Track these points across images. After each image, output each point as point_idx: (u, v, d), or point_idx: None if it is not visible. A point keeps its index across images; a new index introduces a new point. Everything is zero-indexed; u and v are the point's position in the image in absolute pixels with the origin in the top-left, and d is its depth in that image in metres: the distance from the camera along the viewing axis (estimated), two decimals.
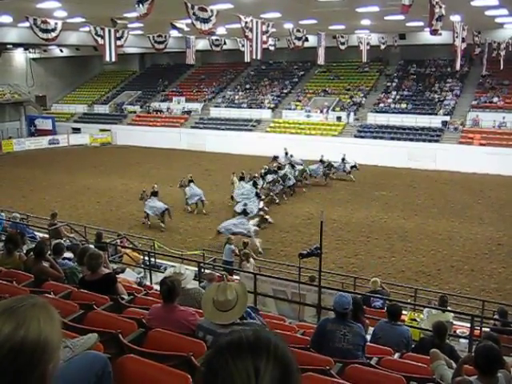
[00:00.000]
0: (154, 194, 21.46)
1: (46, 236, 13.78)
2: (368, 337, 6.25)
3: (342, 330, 5.35)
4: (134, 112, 46.91)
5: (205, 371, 1.14)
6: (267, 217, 20.04)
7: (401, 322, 7.73)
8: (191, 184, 23.02)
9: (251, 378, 1.08)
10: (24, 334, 1.29)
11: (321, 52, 27.55)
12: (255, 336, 1.16)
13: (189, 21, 17.88)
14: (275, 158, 29.70)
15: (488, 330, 9.57)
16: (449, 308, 10.21)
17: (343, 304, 5.45)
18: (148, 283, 11.05)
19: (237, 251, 15.13)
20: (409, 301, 12.15)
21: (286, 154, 30.53)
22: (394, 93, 39.94)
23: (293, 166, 27.10)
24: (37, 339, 1.31)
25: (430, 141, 34.32)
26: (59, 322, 1.41)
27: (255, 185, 22.98)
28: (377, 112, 38.42)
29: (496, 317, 10.19)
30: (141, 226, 20.87)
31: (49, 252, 7.63)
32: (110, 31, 21.09)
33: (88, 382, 2.44)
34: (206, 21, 17.35)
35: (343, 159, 28.93)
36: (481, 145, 32.49)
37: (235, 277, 11.35)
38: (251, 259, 13.78)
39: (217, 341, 4.03)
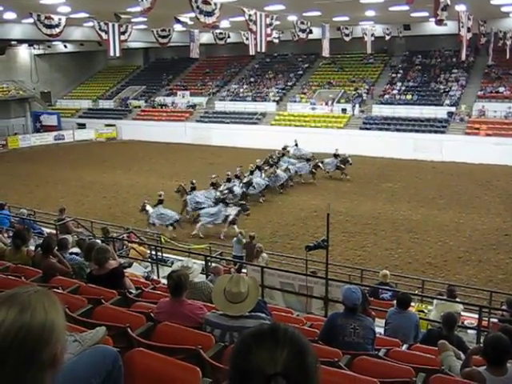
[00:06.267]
0: (193, 188, 20.75)
1: (54, 232, 13.81)
2: (377, 329, 6.23)
3: (352, 324, 5.28)
4: (139, 107, 46.93)
5: (232, 357, 1.33)
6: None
7: None
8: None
9: (271, 358, 1.27)
10: (31, 316, 1.33)
11: (325, 44, 27.46)
12: (273, 325, 1.38)
13: (192, 14, 17.85)
14: (285, 148, 29.15)
15: (496, 320, 9.56)
16: (457, 299, 10.18)
17: (353, 299, 5.38)
18: (155, 277, 11.08)
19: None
20: (416, 292, 12.14)
21: (296, 145, 30.50)
22: (399, 84, 39.74)
23: (259, 169, 25.04)
24: (44, 319, 1.35)
25: (435, 132, 34.15)
26: (62, 308, 1.45)
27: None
28: (382, 103, 38.27)
29: (504, 307, 10.17)
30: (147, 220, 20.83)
31: (56, 247, 7.66)
32: (113, 26, 21.10)
33: (99, 376, 2.44)
34: (209, 14, 17.33)
35: (336, 155, 27.43)
36: (487, 135, 32.29)
37: (243, 270, 11.37)
38: (263, 254, 13.66)
39: (225, 334, 4.04)
